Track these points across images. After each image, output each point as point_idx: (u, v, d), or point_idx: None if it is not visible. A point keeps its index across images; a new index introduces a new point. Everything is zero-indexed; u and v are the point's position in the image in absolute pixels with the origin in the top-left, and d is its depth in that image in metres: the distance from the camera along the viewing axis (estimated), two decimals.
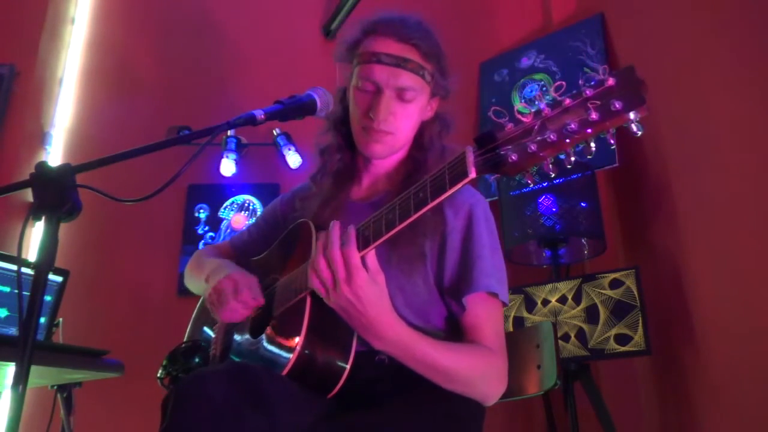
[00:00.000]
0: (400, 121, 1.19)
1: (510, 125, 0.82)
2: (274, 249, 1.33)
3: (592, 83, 0.76)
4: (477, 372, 1.06)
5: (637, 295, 1.95)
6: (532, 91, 2.83)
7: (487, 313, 1.12)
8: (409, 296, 1.13)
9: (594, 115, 0.74)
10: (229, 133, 2.95)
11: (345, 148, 1.31)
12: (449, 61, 1.25)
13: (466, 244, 1.15)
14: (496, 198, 2.46)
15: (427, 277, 1.14)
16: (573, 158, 0.78)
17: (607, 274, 2.04)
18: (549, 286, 2.15)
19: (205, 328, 1.41)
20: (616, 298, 1.99)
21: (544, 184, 2.22)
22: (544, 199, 2.21)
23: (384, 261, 0.99)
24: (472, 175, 0.84)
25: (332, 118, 1.30)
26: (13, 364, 0.92)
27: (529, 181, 0.83)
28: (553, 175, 0.79)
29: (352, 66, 1.24)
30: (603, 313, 2.00)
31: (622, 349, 1.92)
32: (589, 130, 0.75)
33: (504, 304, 1.15)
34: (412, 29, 1.18)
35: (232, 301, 1.15)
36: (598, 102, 0.74)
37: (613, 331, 1.95)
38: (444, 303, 1.16)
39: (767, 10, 1.60)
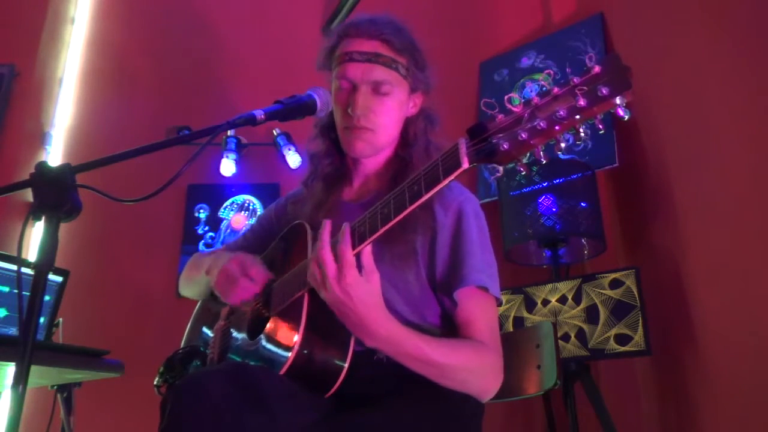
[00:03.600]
0: (379, 117, 1.21)
1: (501, 116, 0.84)
2: (271, 251, 1.34)
3: (580, 71, 0.78)
4: (471, 367, 1.07)
5: (637, 295, 1.95)
6: (532, 91, 2.83)
7: (479, 308, 1.13)
8: (403, 293, 1.14)
9: (582, 101, 0.75)
10: (229, 133, 2.95)
11: (334, 152, 1.33)
12: (428, 56, 1.28)
13: (456, 240, 1.16)
14: (496, 198, 2.46)
15: (419, 273, 1.15)
16: (563, 144, 0.80)
17: (607, 274, 2.04)
18: (549, 286, 2.15)
19: (204, 331, 1.41)
20: (616, 298, 1.99)
21: (544, 184, 2.22)
22: (544, 199, 2.21)
23: (377, 259, 1.00)
24: (465, 165, 0.85)
25: (320, 125, 1.34)
26: (13, 364, 0.92)
27: (522, 170, 0.84)
28: (544, 162, 0.80)
29: (331, 72, 1.27)
30: (603, 313, 2.00)
31: (622, 349, 1.92)
32: (577, 116, 0.77)
33: (497, 300, 1.16)
34: (382, 26, 1.22)
35: (241, 279, 1.16)
36: (586, 88, 0.76)
37: (613, 331, 1.95)
38: (437, 300, 1.16)
39: None
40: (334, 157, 1.33)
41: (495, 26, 3.18)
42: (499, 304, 1.17)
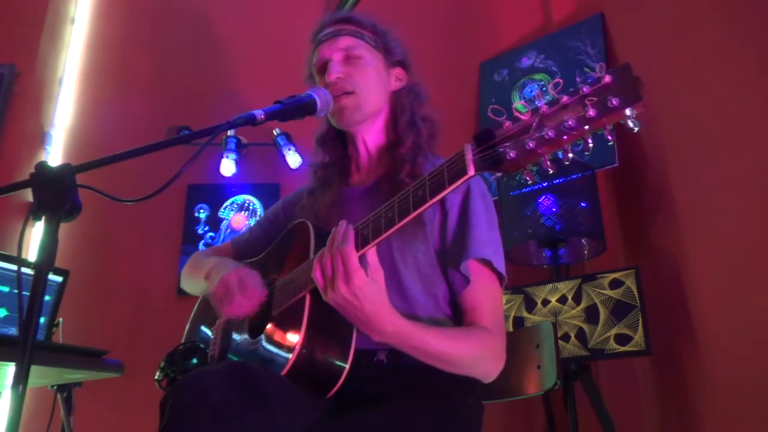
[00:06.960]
0: (356, 78, 1.26)
1: (508, 123, 0.83)
2: (273, 250, 1.34)
3: (589, 80, 0.77)
4: (475, 355, 1.08)
5: (637, 295, 1.95)
6: (532, 91, 2.83)
7: (483, 292, 1.14)
8: (412, 268, 1.15)
9: (591, 112, 0.74)
10: (229, 133, 2.95)
11: (337, 142, 1.38)
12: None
13: (463, 216, 1.18)
14: (496, 198, 2.46)
15: (428, 249, 1.17)
16: (571, 155, 0.79)
17: (607, 274, 2.04)
18: (549, 286, 2.15)
19: (204, 328, 1.41)
20: (616, 298, 1.99)
21: (544, 184, 2.22)
22: (544, 199, 2.21)
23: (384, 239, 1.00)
24: (471, 172, 0.85)
25: (317, 136, 1.40)
26: (13, 364, 0.92)
27: (528, 179, 0.83)
28: (551, 172, 0.80)
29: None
30: (603, 313, 2.00)
31: (622, 349, 1.92)
32: (586, 127, 0.76)
33: (502, 277, 1.17)
34: (343, 14, 1.34)
35: (238, 296, 1.16)
36: (595, 99, 0.75)
37: (613, 331, 1.95)
38: (446, 279, 1.18)
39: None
40: (337, 147, 1.38)
41: (495, 26, 3.17)
42: (504, 281, 1.17)
